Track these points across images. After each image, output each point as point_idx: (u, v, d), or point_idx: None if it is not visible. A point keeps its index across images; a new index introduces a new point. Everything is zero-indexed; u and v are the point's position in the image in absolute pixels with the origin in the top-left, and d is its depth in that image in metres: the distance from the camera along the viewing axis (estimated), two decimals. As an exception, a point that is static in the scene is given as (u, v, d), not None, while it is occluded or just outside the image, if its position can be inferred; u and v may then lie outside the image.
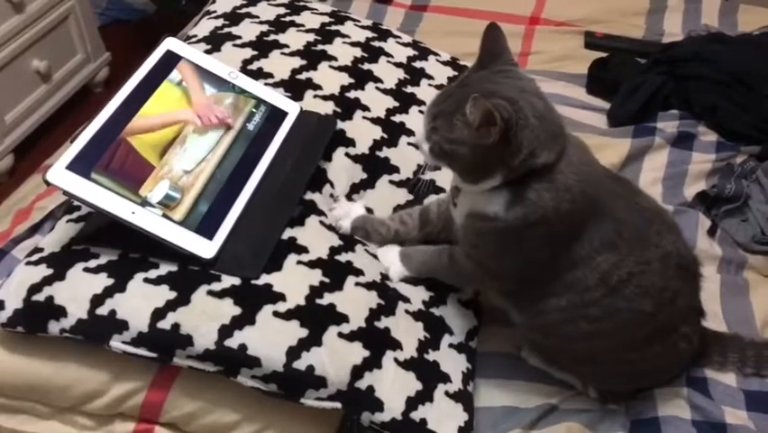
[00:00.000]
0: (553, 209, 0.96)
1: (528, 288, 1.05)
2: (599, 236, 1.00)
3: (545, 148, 0.94)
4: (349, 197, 1.22)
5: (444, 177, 1.26)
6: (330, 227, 1.13)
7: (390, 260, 1.15)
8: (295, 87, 1.31)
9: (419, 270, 1.14)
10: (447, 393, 1.04)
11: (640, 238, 1.03)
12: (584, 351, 1.08)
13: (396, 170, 1.27)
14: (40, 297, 0.99)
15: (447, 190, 1.22)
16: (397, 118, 1.35)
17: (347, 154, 1.24)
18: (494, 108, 0.88)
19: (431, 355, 1.07)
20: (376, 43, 1.49)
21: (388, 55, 1.47)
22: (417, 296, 1.14)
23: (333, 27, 1.50)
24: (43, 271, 1.01)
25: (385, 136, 1.30)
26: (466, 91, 0.94)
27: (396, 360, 1.02)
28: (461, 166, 0.98)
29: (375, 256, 1.15)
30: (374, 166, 1.26)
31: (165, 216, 1.02)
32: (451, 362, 1.09)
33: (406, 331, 1.06)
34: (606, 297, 1.01)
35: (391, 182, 1.26)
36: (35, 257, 1.04)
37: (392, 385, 0.99)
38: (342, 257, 1.09)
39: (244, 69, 1.33)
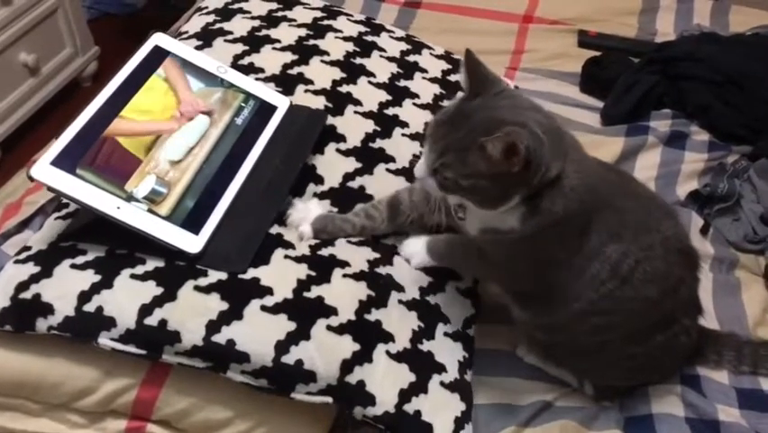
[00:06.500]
0: (563, 211, 0.96)
1: (550, 292, 1.04)
2: (605, 227, 1.00)
3: (555, 159, 0.94)
4: (341, 187, 1.17)
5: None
6: None
7: (413, 250, 1.13)
8: (286, 82, 1.29)
9: (445, 259, 1.13)
10: (442, 384, 1.03)
11: (641, 224, 1.04)
12: (588, 345, 1.08)
13: (392, 159, 1.25)
14: (27, 294, 0.97)
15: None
16: (391, 111, 1.33)
17: (338, 150, 1.22)
18: (517, 140, 0.87)
19: (425, 345, 1.05)
20: (369, 38, 1.48)
21: (380, 49, 1.46)
22: (414, 283, 1.12)
23: (326, 22, 1.48)
24: (31, 268, 1.00)
25: (378, 129, 1.28)
26: (471, 122, 0.93)
27: (387, 352, 1.01)
28: (480, 197, 0.96)
29: (360, 244, 1.12)
30: (369, 156, 1.23)
31: (151, 211, 1.01)
32: (446, 351, 1.08)
33: (399, 322, 1.05)
34: (618, 288, 1.02)
35: (388, 171, 1.23)
36: (23, 255, 1.03)
37: (384, 379, 0.98)
38: (325, 251, 1.07)
39: (235, 64, 1.31)
